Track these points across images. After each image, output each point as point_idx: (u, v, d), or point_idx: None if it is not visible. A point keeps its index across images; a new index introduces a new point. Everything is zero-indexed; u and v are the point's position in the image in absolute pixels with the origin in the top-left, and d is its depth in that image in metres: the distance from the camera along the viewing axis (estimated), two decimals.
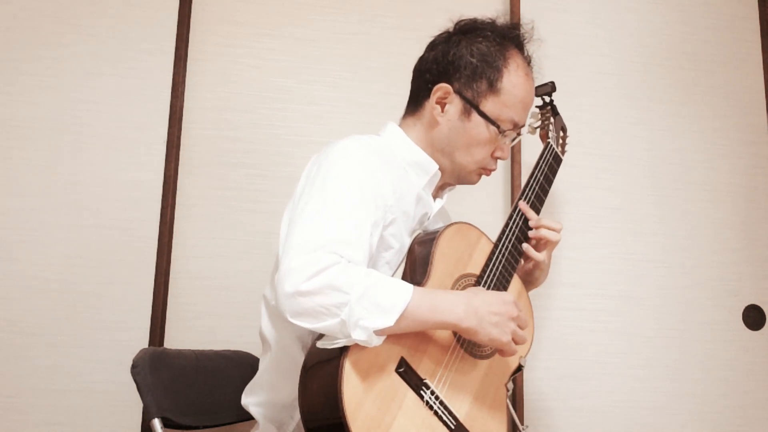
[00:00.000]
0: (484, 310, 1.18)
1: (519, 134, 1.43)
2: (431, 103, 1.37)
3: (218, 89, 1.93)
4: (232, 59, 1.95)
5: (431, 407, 1.17)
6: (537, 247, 1.44)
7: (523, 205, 1.43)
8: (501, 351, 1.24)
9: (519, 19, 2.07)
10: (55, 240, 1.80)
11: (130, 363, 1.35)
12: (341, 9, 2.03)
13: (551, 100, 1.68)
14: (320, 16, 2.01)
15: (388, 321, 1.09)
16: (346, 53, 2.01)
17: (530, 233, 1.42)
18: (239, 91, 1.94)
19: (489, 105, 1.35)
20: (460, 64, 1.35)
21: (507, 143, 1.40)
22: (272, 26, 1.99)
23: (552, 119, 1.65)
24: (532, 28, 1.43)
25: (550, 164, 1.54)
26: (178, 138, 1.88)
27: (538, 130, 1.67)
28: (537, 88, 1.68)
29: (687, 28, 2.22)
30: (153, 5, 1.93)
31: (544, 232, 1.42)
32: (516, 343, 1.23)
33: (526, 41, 1.42)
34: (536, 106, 1.70)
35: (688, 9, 2.24)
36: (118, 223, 1.83)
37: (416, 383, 1.16)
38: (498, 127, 1.35)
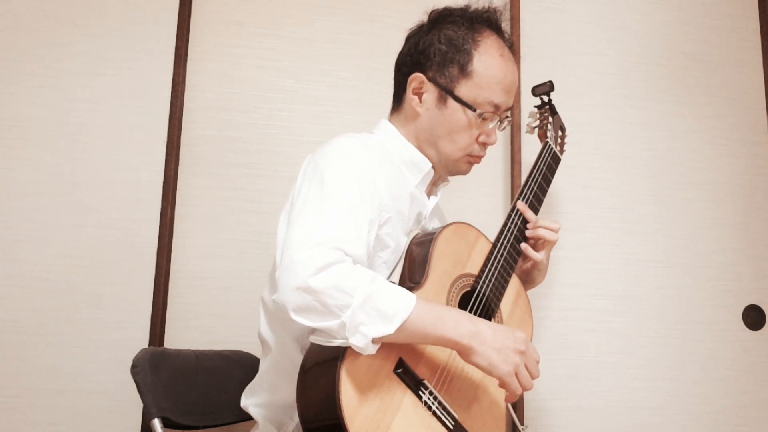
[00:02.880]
0: (488, 334, 1.13)
1: (507, 117, 1.41)
2: (409, 95, 1.37)
3: (218, 89, 1.93)
4: (233, 59, 1.95)
5: (430, 408, 1.16)
6: (535, 247, 1.44)
7: (522, 205, 1.43)
8: (503, 384, 1.16)
9: (519, 19, 2.07)
10: (55, 240, 1.80)
11: (130, 363, 1.35)
12: (342, 9, 2.03)
13: (549, 100, 1.68)
14: (321, 16, 2.02)
15: (388, 329, 1.08)
16: (347, 53, 2.01)
17: (528, 233, 1.42)
18: (239, 91, 1.94)
19: (463, 89, 1.34)
20: (429, 52, 1.35)
21: (492, 128, 1.38)
22: (273, 26, 1.99)
23: (550, 118, 1.65)
24: (502, 13, 1.42)
25: (548, 164, 1.54)
26: (178, 138, 1.88)
27: (537, 129, 1.68)
28: (535, 87, 1.68)
29: (687, 28, 2.22)
30: (153, 5, 1.94)
31: (541, 232, 1.41)
32: (521, 384, 1.15)
33: (502, 22, 1.41)
34: (535, 106, 1.70)
35: (688, 9, 2.24)
36: (118, 223, 1.83)
37: (415, 384, 1.16)
38: (475, 110, 1.34)
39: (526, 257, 1.43)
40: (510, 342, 1.14)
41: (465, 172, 1.44)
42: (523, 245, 1.41)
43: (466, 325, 1.13)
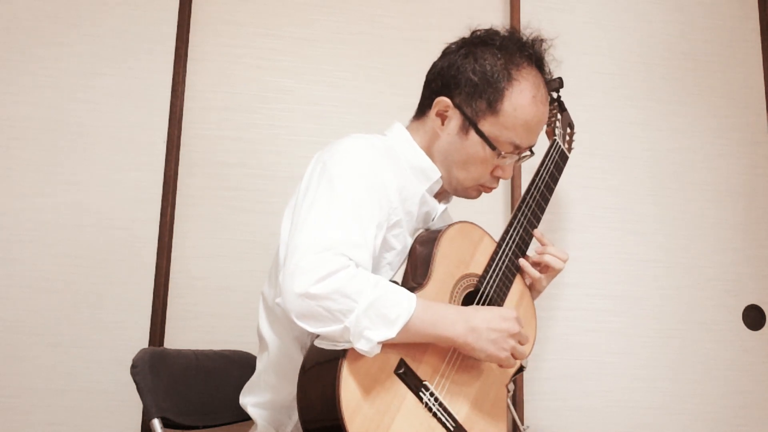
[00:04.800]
0: (483, 327, 1.17)
1: (530, 153, 1.39)
2: (432, 115, 1.36)
3: (218, 89, 1.93)
4: (232, 59, 1.95)
5: (430, 409, 1.16)
6: (539, 271, 1.41)
7: (537, 233, 1.40)
8: (501, 365, 1.25)
9: (519, 19, 2.07)
10: (55, 240, 1.80)
11: (130, 363, 1.35)
12: (341, 9, 2.03)
13: (559, 96, 1.66)
14: (320, 16, 2.01)
15: (390, 333, 1.09)
16: (347, 53, 2.01)
17: (534, 257, 1.40)
18: (239, 91, 1.94)
19: (487, 125, 1.31)
20: (461, 79, 1.32)
21: (508, 163, 1.36)
22: (272, 26, 1.99)
23: (559, 116, 1.63)
24: (551, 46, 1.37)
25: (556, 162, 1.52)
26: (178, 138, 1.88)
27: (545, 126, 1.65)
28: None
29: (687, 28, 2.22)
30: (153, 5, 1.93)
31: (548, 258, 1.39)
32: (515, 358, 1.23)
33: (545, 58, 1.37)
34: None
35: (688, 9, 2.24)
36: (118, 223, 1.83)
37: (415, 385, 1.16)
38: (494, 148, 1.32)
39: (524, 274, 1.40)
40: (502, 326, 1.19)
41: (473, 198, 1.43)
42: (522, 261, 1.39)
43: (462, 324, 1.16)
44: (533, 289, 1.43)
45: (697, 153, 2.16)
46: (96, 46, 1.90)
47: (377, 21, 2.04)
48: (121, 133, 1.87)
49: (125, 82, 1.89)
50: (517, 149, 1.34)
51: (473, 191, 1.41)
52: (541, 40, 1.38)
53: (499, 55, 1.32)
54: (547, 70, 1.39)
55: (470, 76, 1.31)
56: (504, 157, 1.33)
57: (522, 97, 1.31)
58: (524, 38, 1.37)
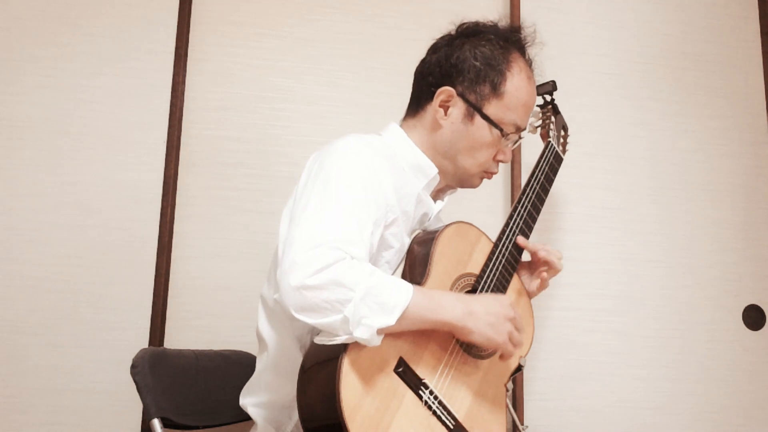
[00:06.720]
0: (480, 311, 1.19)
1: (520, 137, 1.43)
2: (434, 106, 1.37)
3: (218, 89, 1.93)
4: (232, 59, 1.95)
5: (430, 407, 1.17)
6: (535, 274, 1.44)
7: (522, 240, 1.41)
8: (498, 351, 1.25)
9: (519, 19, 2.07)
10: (55, 240, 1.80)
11: (130, 363, 1.35)
12: (341, 9, 2.03)
13: (552, 99, 1.68)
14: (320, 16, 2.02)
15: (390, 320, 1.09)
16: (347, 53, 2.01)
17: (530, 247, 1.42)
18: (239, 91, 1.94)
19: (492, 108, 1.34)
20: (463, 67, 1.35)
21: (509, 146, 1.40)
22: (272, 26, 1.99)
23: (553, 118, 1.65)
24: (534, 31, 1.43)
25: (551, 163, 1.54)
26: (178, 138, 1.88)
27: (539, 129, 1.67)
28: (538, 87, 1.68)
29: (687, 28, 2.22)
30: (153, 5, 1.94)
31: (542, 254, 1.42)
32: (513, 344, 1.24)
33: (528, 44, 1.42)
34: (537, 105, 1.69)
35: (688, 9, 2.24)
36: (118, 223, 1.83)
37: (415, 383, 1.16)
38: (501, 130, 1.35)
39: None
40: (500, 310, 1.21)
41: (476, 186, 1.45)
42: (520, 239, 1.40)
43: (459, 307, 1.18)
44: (529, 291, 1.45)
45: (698, 153, 2.16)
46: (96, 46, 1.90)
47: (377, 21, 2.04)
48: (121, 133, 1.87)
49: (125, 82, 1.89)
50: (518, 130, 1.39)
51: (477, 178, 1.43)
52: (519, 27, 1.43)
53: (494, 40, 1.37)
54: (528, 57, 1.43)
55: (472, 62, 1.35)
56: (508, 139, 1.38)
57: (520, 78, 1.36)
58: (509, 28, 1.42)
